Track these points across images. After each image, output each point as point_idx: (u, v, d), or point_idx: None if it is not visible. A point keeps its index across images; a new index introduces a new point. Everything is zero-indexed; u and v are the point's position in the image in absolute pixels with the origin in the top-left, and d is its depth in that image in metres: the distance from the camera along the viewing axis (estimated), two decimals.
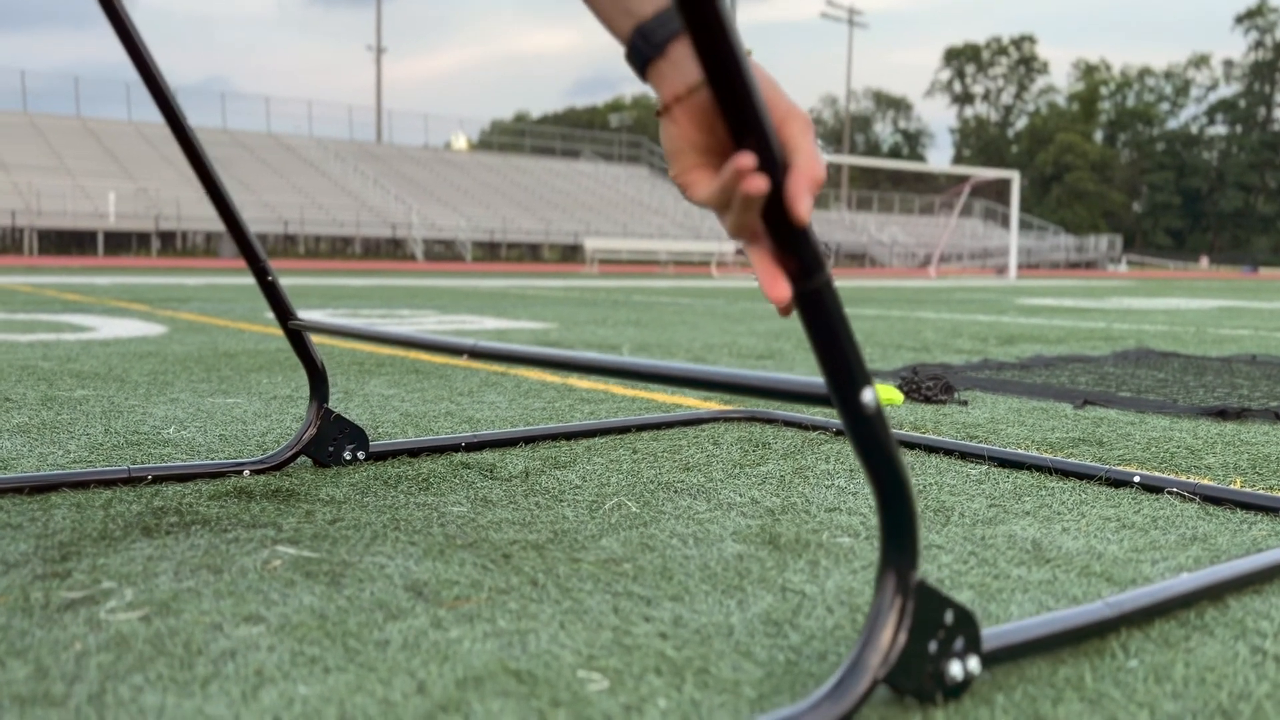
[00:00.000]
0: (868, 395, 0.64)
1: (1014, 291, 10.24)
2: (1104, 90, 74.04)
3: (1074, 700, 0.65)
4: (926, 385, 2.04)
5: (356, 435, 1.35)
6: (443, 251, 28.56)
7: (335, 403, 1.87)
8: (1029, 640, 0.73)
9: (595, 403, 1.93)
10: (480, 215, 30.19)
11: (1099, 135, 73.47)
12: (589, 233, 29.92)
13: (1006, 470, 1.36)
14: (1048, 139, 69.42)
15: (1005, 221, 47.82)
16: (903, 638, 0.67)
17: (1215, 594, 0.84)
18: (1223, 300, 8.61)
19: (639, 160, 44.60)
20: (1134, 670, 0.69)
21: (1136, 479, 1.26)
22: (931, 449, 1.48)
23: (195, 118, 35.83)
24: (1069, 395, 2.11)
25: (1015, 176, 19.33)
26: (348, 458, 1.34)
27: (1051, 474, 1.33)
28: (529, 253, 30.56)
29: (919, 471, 1.34)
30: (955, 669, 0.66)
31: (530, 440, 1.50)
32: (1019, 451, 1.42)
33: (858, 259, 37.24)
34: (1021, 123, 78.53)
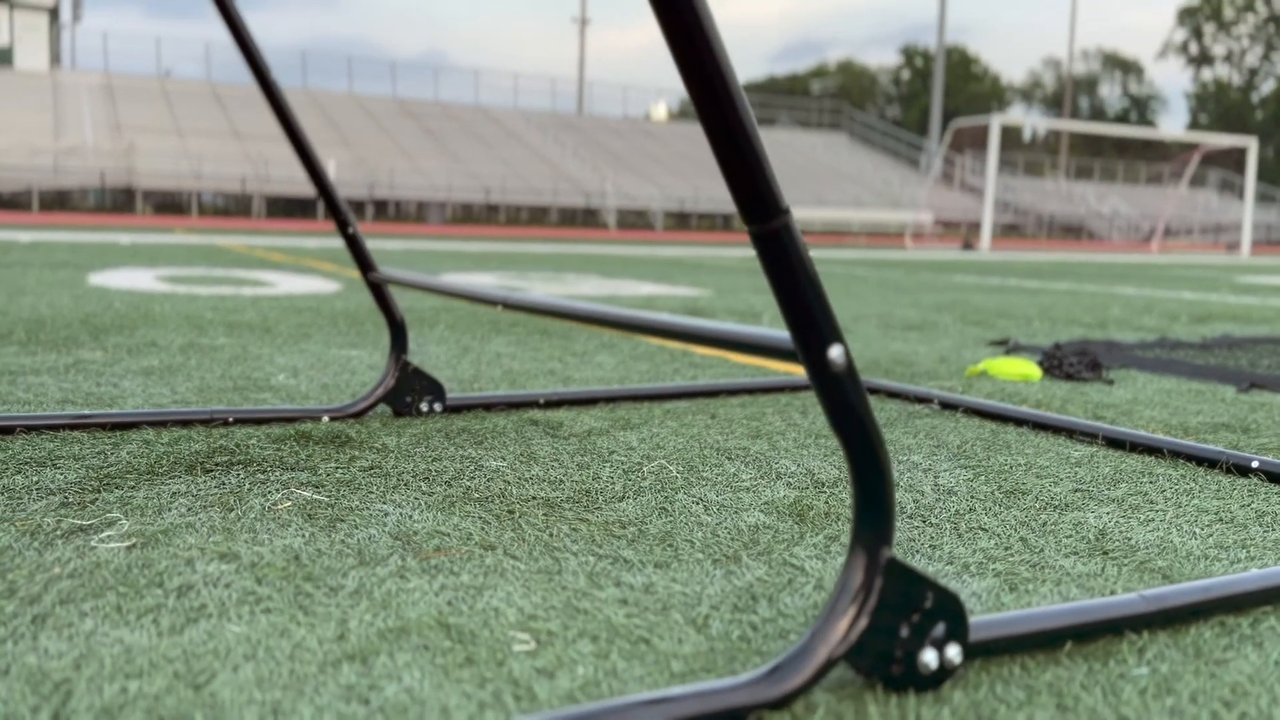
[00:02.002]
0: (835, 352, 0.58)
1: (1239, 269, 9.38)
2: None
3: (1046, 707, 0.56)
4: (1070, 361, 1.87)
5: (433, 388, 1.37)
6: (635, 220, 28.91)
7: (453, 358, 1.90)
8: (1028, 632, 0.65)
9: (706, 367, 1.88)
10: (673, 185, 30.35)
11: None
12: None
13: (1117, 452, 1.23)
14: None
15: (1243, 194, 43.99)
16: (865, 619, 0.60)
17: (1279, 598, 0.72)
18: None
19: (839, 127, 43.61)
20: (1137, 680, 0.60)
21: (1255, 464, 1.11)
22: (1039, 425, 1.36)
23: (411, 90, 37.59)
24: (1236, 378, 1.89)
25: (1252, 143, 17.68)
26: (424, 409, 1.36)
27: (1165, 457, 1.19)
28: (720, 222, 30.52)
29: (1015, 450, 1.22)
30: (930, 657, 0.59)
31: (611, 399, 1.47)
32: (1134, 431, 1.28)
33: (1074, 232, 35.13)
34: (1268, 86, 71.83)
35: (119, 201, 23.31)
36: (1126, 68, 76.78)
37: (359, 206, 25.69)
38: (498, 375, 1.73)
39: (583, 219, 28.64)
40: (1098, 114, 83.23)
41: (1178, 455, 1.19)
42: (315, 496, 0.93)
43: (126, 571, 0.72)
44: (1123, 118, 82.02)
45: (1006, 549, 0.84)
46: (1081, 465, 1.16)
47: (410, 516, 0.88)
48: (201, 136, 27.32)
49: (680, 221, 29.22)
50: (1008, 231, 33.88)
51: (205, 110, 30.17)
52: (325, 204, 1.31)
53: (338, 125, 30.50)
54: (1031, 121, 17.46)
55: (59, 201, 22.63)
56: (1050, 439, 1.31)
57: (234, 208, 25.03)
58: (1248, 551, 0.86)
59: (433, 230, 18.42)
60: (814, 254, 9.72)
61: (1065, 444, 1.27)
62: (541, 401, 1.43)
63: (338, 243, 9.45)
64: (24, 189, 21.67)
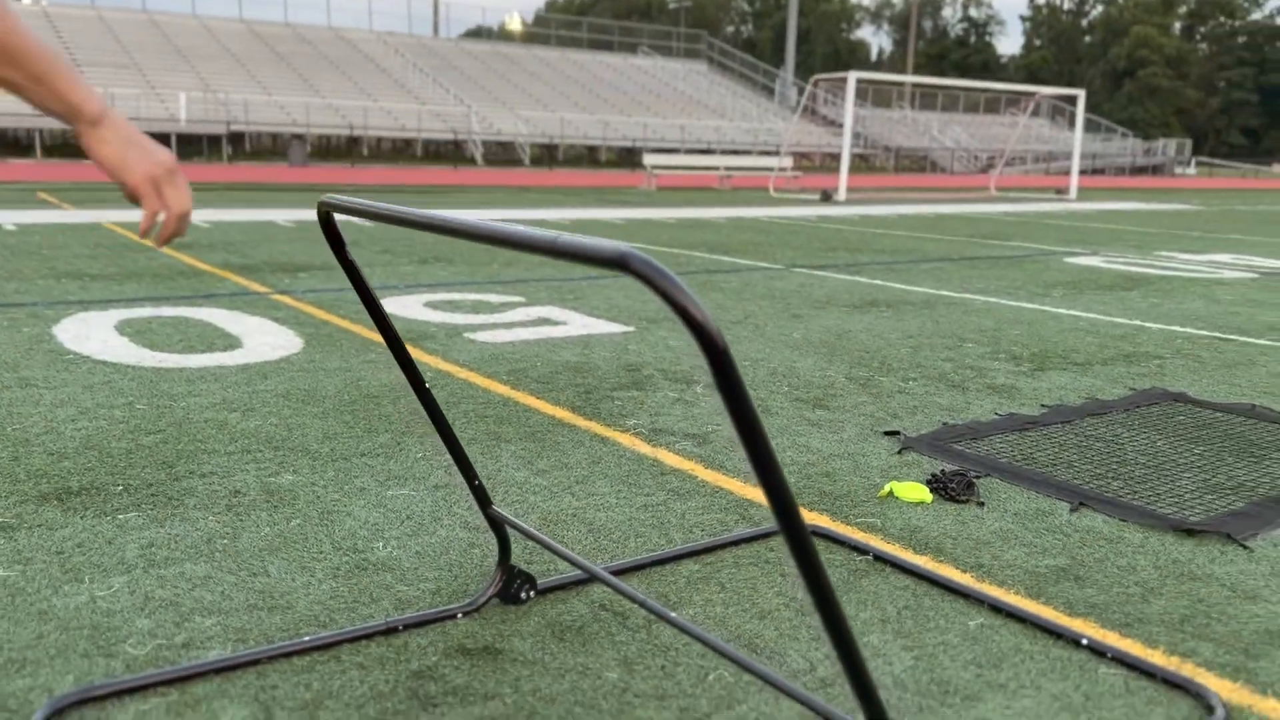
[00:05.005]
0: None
1: (1067, 235, 10.45)
2: None
3: None
4: (952, 485, 2.52)
5: (527, 578, 1.89)
6: (500, 154, 28.84)
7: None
8: None
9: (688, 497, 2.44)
10: (538, 118, 30.29)
11: (1177, 27, 70.41)
12: (647, 136, 29.93)
13: (1002, 619, 1.86)
14: (1123, 31, 66.75)
15: (1073, 122, 46.55)
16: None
17: None
18: (1273, 260, 8.81)
19: (698, 55, 43.94)
20: None
21: (1085, 642, 1.76)
22: (950, 589, 1.99)
23: (257, 10, 35.86)
24: (1069, 493, 2.58)
25: (1080, 94, 19.07)
26: (524, 597, 1.89)
27: (1029, 626, 1.83)
28: (586, 155, 30.71)
29: (932, 624, 1.84)
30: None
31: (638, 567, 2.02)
32: (1009, 602, 1.91)
33: (919, 163, 36.79)
34: (1097, 12, 75.52)
35: None
36: None
37: (215, 142, 24.83)
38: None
39: (449, 153, 28.39)
40: (940, 35, 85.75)
41: (1041, 629, 1.83)
42: None
43: None
44: (963, 40, 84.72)
45: None
46: (979, 642, 1.79)
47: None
48: None
49: (548, 154, 29.29)
50: (858, 164, 35.12)
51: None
52: (395, 356, 1.80)
53: (184, 54, 29.05)
54: (884, 76, 18.28)
55: None
56: (953, 601, 1.94)
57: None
58: None
59: (296, 176, 18.14)
60: (697, 229, 10.29)
61: (964, 610, 1.90)
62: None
63: (232, 214, 9.46)
64: None
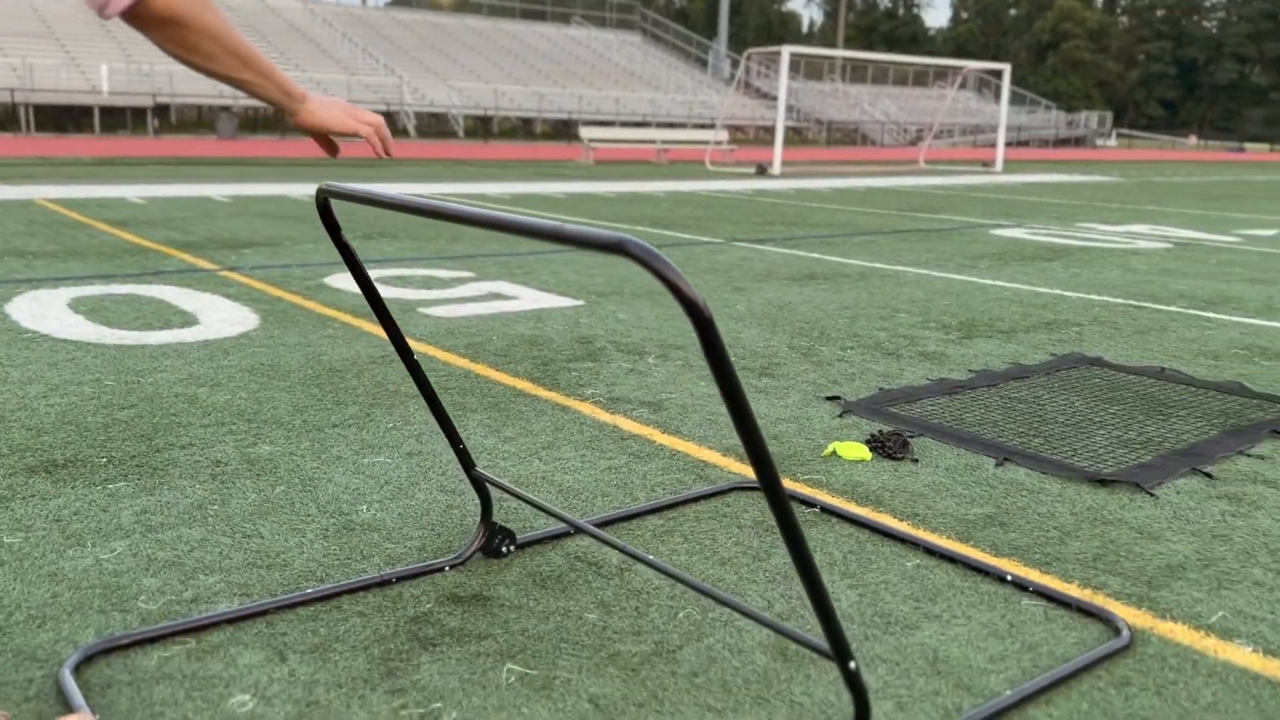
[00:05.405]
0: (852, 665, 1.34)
1: (993, 207, 10.81)
2: None
3: None
4: (889, 444, 2.74)
5: (507, 533, 2.05)
6: (434, 126, 28.59)
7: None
8: None
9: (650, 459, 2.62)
10: (472, 89, 30.06)
11: (1099, 1, 71.97)
12: (582, 109, 29.89)
13: (935, 560, 2.08)
14: (1047, 5, 68.05)
15: (998, 95, 47.43)
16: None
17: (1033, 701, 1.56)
18: (1185, 230, 9.24)
19: (632, 26, 43.84)
20: None
21: (1009, 578, 1.98)
22: (889, 535, 2.20)
23: None
24: (994, 448, 2.81)
25: (1006, 68, 19.55)
26: (505, 551, 2.04)
27: (961, 566, 2.05)
28: (521, 127, 30.58)
29: (874, 566, 2.05)
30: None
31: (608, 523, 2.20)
32: (944, 545, 2.13)
33: (850, 136, 37.26)
34: None
35: None
36: None
37: (140, 115, 24.22)
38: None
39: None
40: (870, 7, 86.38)
41: (970, 568, 2.05)
42: (528, 672, 1.63)
43: None
44: (892, 13, 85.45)
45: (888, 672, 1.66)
46: (916, 580, 2.00)
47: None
48: None
49: (482, 126, 29.09)
50: (791, 138, 35.42)
51: None
52: (385, 330, 1.95)
53: (103, 23, 28.23)
54: (816, 50, 18.52)
55: None
56: (897, 546, 2.14)
57: (3, 122, 23.06)
58: (1005, 663, 1.70)
59: (226, 149, 17.85)
60: (638, 204, 10.43)
61: (903, 553, 2.11)
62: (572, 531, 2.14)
63: (166, 190, 9.36)
64: None
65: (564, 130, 30.41)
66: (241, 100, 25.68)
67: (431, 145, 23.11)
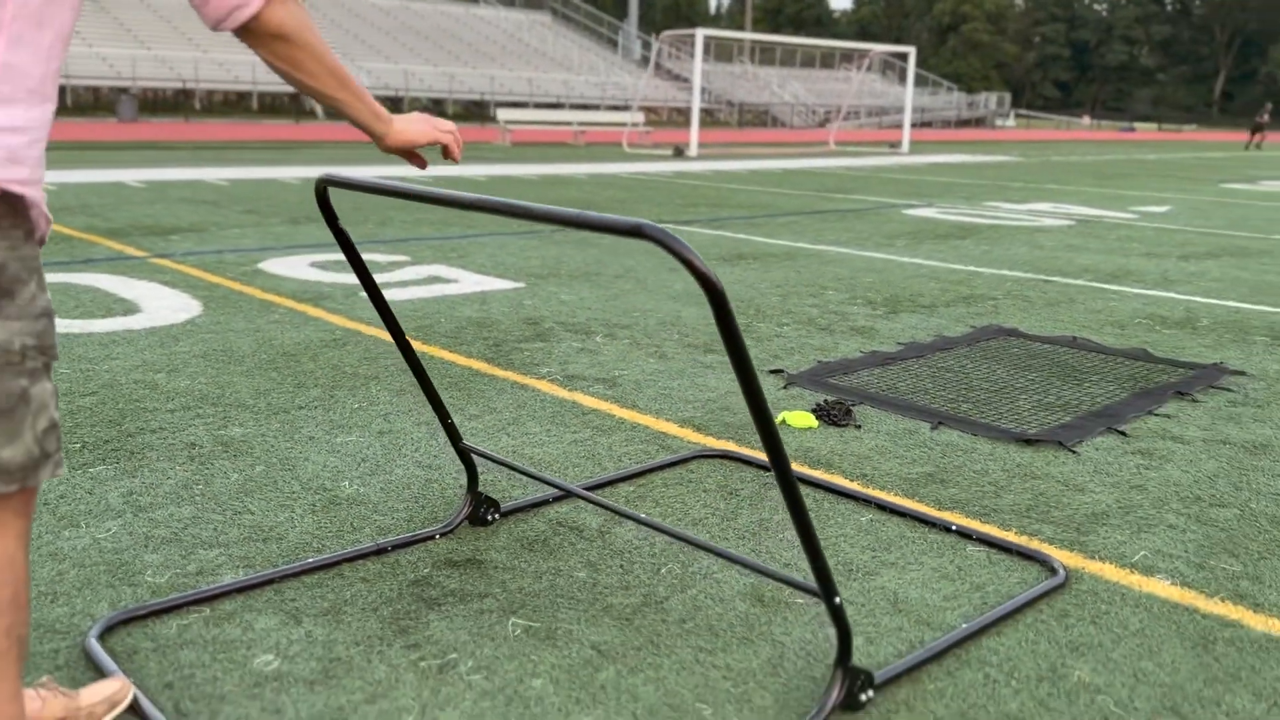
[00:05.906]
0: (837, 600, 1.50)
1: (903, 188, 11.17)
2: None
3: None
4: (834, 413, 2.93)
5: (492, 502, 2.17)
6: None
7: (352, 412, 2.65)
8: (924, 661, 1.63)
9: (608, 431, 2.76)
10: (381, 70, 29.62)
11: None
12: (495, 90, 29.69)
13: (886, 515, 2.26)
14: None
15: (903, 77, 48.46)
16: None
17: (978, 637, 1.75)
18: (1085, 207, 9.70)
19: (541, 6, 43.58)
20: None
21: (954, 528, 2.18)
22: (843, 494, 2.38)
23: None
24: (929, 414, 3.02)
25: (911, 51, 20.06)
26: (489, 520, 2.17)
27: (909, 520, 2.24)
28: (433, 109, 30.24)
29: (832, 521, 2.23)
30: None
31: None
32: (893, 501, 2.32)
33: (761, 118, 37.74)
34: None
35: None
36: None
37: None
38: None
39: (287, 107, 27.47)
40: None
41: (918, 520, 2.24)
42: (531, 624, 1.76)
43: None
44: None
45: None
46: (871, 532, 2.18)
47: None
48: None
49: (393, 107, 28.70)
50: (704, 119, 35.70)
51: None
52: (381, 316, 2.06)
53: None
54: (728, 34, 18.78)
55: None
56: (846, 504, 2.33)
57: None
58: (957, 601, 1.89)
59: (127, 133, 17.34)
60: (560, 186, 10.51)
61: (858, 511, 2.30)
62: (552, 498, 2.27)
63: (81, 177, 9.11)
64: None
65: (477, 111, 30.18)
66: (140, 81, 24.88)
67: (342, 128, 22.74)
